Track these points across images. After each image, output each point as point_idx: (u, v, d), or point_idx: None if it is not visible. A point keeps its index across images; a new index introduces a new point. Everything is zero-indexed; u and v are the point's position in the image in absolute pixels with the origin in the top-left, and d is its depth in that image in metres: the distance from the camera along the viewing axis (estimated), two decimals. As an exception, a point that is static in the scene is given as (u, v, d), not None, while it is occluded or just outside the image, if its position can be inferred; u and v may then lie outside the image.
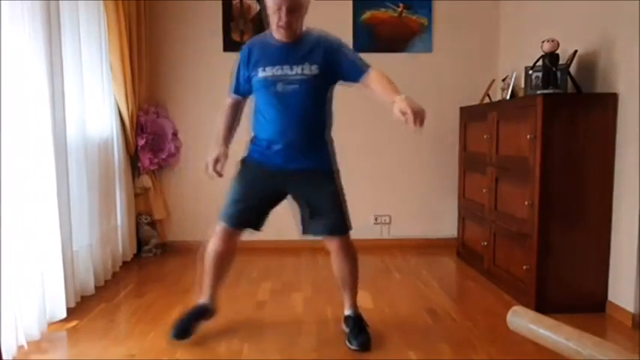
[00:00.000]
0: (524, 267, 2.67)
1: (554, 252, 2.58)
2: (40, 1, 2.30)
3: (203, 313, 2.32)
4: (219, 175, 2.27)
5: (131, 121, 3.53)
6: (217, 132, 2.32)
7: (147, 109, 3.75)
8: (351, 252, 2.28)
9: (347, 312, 2.37)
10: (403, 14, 3.97)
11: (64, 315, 2.47)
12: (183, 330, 2.23)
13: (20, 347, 2.10)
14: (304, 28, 2.18)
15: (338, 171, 2.30)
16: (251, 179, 2.24)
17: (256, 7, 3.90)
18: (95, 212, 3.01)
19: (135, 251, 3.74)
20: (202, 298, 2.35)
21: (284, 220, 3.99)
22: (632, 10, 2.41)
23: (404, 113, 1.84)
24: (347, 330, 2.30)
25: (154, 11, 3.89)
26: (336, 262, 2.29)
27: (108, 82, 3.30)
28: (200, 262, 2.36)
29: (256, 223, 2.31)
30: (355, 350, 2.17)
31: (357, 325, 2.27)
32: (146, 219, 3.79)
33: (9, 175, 2.08)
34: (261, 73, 2.15)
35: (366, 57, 4.07)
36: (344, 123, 4.01)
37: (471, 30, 4.01)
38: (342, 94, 4.08)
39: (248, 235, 4.08)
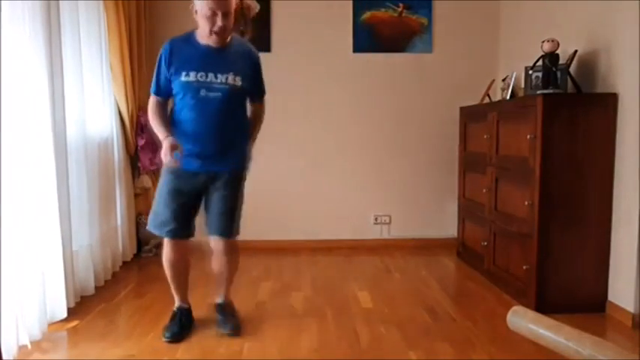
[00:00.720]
0: (524, 267, 2.67)
1: (554, 252, 2.58)
2: (41, 1, 2.30)
3: (186, 315, 2.42)
4: (177, 162, 2.19)
5: (131, 121, 3.53)
6: (158, 128, 2.21)
7: (147, 109, 3.74)
8: (234, 255, 2.41)
9: (218, 300, 2.48)
10: (403, 14, 3.97)
11: (64, 315, 2.48)
12: (176, 335, 2.28)
13: (21, 347, 2.10)
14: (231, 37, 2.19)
15: (245, 178, 2.35)
16: (171, 189, 2.23)
17: (256, 7, 3.90)
18: (95, 212, 3.01)
19: (135, 251, 3.74)
20: (177, 303, 2.45)
21: (284, 220, 4.01)
22: (632, 10, 2.41)
23: None
24: (218, 317, 2.41)
25: (154, 11, 3.89)
26: (217, 260, 2.39)
27: (108, 82, 3.30)
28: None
29: (187, 227, 2.30)
30: (227, 335, 2.30)
31: (229, 312, 2.42)
32: (146, 219, 3.79)
33: (9, 175, 2.08)
34: (184, 77, 2.12)
35: (366, 57, 4.12)
36: (344, 123, 4.03)
37: (471, 30, 4.02)
38: (341, 93, 4.10)
39: (248, 235, 4.08)
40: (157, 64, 2.20)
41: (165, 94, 2.24)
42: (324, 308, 2.68)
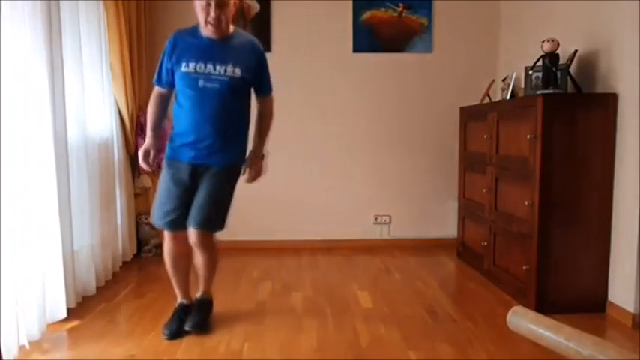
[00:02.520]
0: (524, 267, 2.67)
1: (554, 252, 2.58)
2: (41, 1, 2.30)
3: (185, 311, 2.40)
4: (151, 167, 2.35)
5: (131, 121, 3.53)
6: (149, 124, 2.36)
7: (147, 109, 3.75)
8: (209, 249, 2.35)
9: (197, 294, 2.48)
10: (403, 14, 3.97)
11: (64, 315, 2.47)
12: (174, 332, 2.29)
13: (21, 347, 2.10)
14: (233, 30, 2.22)
15: (239, 174, 2.38)
16: (172, 180, 2.26)
17: (256, 7, 3.90)
18: (96, 212, 3.01)
19: (135, 251, 3.73)
20: (178, 299, 2.45)
21: (284, 220, 4.01)
22: (632, 10, 2.41)
23: (250, 176, 2.34)
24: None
25: (153, 11, 3.89)
26: (197, 254, 2.36)
27: (108, 82, 3.30)
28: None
29: (186, 213, 2.26)
30: (187, 331, 2.28)
31: (199, 308, 2.40)
32: (146, 219, 3.79)
33: (10, 175, 2.08)
34: (184, 67, 2.16)
35: (366, 57, 4.12)
36: (344, 123, 4.03)
37: (471, 30, 4.02)
38: (341, 93, 4.10)
39: (248, 236, 4.08)
40: (161, 57, 2.26)
41: (166, 84, 2.28)
42: (324, 308, 2.68)
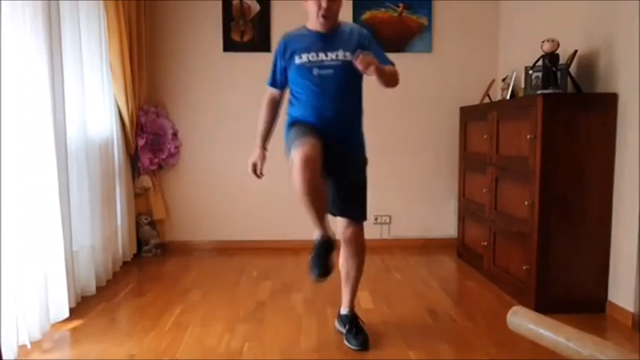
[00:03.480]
0: (524, 267, 2.67)
1: (554, 252, 2.58)
2: (41, 1, 2.30)
3: (328, 244, 2.24)
4: (259, 176, 2.43)
5: (131, 121, 3.53)
6: (258, 129, 2.42)
7: (147, 109, 3.75)
8: (362, 247, 2.40)
9: (343, 311, 2.42)
10: (403, 14, 3.97)
11: (66, 315, 2.48)
12: (322, 267, 2.19)
13: (22, 347, 2.10)
14: (338, 22, 2.30)
15: (367, 162, 2.45)
16: (301, 124, 2.26)
17: (256, 7, 3.90)
18: (96, 212, 3.01)
19: (135, 251, 3.74)
20: (317, 233, 2.26)
21: (284, 220, 4.00)
22: (632, 10, 2.41)
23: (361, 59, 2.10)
24: (342, 329, 2.34)
25: (154, 11, 3.89)
26: (344, 254, 2.40)
27: (108, 82, 3.30)
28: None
29: (318, 144, 2.13)
30: (355, 350, 2.19)
31: (355, 325, 2.31)
32: (146, 219, 3.80)
33: (11, 175, 2.08)
34: (297, 60, 2.24)
35: (366, 57, 4.08)
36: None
37: (471, 30, 4.02)
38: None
39: (248, 236, 4.08)
40: (272, 61, 2.36)
41: (280, 84, 2.37)
42: (324, 308, 2.68)
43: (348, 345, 2.22)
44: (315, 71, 2.22)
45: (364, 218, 2.41)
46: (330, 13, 2.20)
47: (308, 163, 2.03)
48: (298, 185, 2.06)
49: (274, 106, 2.41)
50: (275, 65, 2.35)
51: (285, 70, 2.31)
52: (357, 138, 2.43)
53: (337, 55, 2.23)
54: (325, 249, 2.24)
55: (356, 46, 2.22)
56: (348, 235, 2.37)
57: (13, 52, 2.14)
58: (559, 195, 2.56)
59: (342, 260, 2.42)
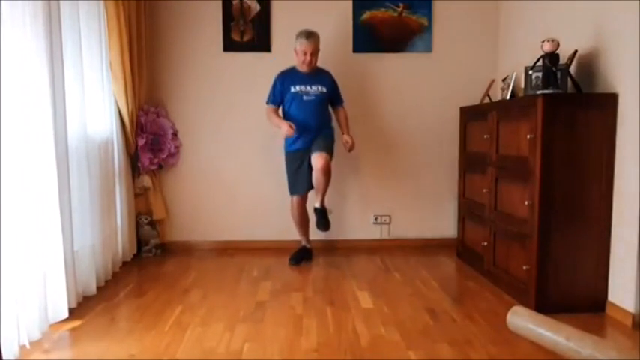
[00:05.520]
0: (524, 267, 2.67)
1: (554, 252, 2.58)
2: (41, 1, 2.30)
3: (306, 251, 3.69)
4: (292, 127, 3.36)
5: (131, 121, 3.53)
6: (275, 121, 3.54)
7: (147, 109, 3.75)
8: (328, 170, 3.40)
9: (316, 205, 3.52)
10: (403, 14, 3.97)
11: (66, 315, 2.48)
12: (298, 261, 3.58)
13: (22, 347, 2.10)
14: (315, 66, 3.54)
15: (334, 141, 3.61)
16: (294, 164, 3.54)
17: (256, 7, 3.90)
18: (96, 212, 3.01)
19: (135, 251, 3.74)
20: (302, 242, 3.72)
21: (284, 221, 4.00)
22: (632, 10, 2.41)
23: (347, 142, 3.54)
24: (315, 218, 3.56)
25: (154, 11, 3.89)
26: (317, 176, 3.39)
27: (108, 82, 3.30)
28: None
29: (309, 187, 3.53)
30: (321, 231, 3.56)
31: (323, 216, 3.52)
32: (146, 219, 3.80)
33: (11, 176, 2.08)
34: (292, 89, 3.49)
35: (366, 57, 4.13)
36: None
37: (471, 30, 4.02)
38: (342, 93, 4.10)
39: (248, 236, 4.10)
40: (272, 85, 3.55)
41: (278, 102, 3.56)
42: (324, 308, 2.68)
43: (317, 229, 3.57)
44: (304, 97, 3.49)
45: (329, 153, 3.44)
46: (309, 62, 3.44)
47: (299, 207, 3.60)
48: (293, 215, 3.65)
49: (277, 112, 3.59)
50: (275, 88, 3.54)
51: (281, 93, 3.52)
52: (328, 130, 3.61)
53: (318, 88, 3.51)
54: (304, 252, 3.69)
55: (327, 85, 3.54)
56: (321, 163, 3.34)
57: (13, 52, 2.14)
58: (559, 195, 2.56)
59: (316, 180, 3.41)
